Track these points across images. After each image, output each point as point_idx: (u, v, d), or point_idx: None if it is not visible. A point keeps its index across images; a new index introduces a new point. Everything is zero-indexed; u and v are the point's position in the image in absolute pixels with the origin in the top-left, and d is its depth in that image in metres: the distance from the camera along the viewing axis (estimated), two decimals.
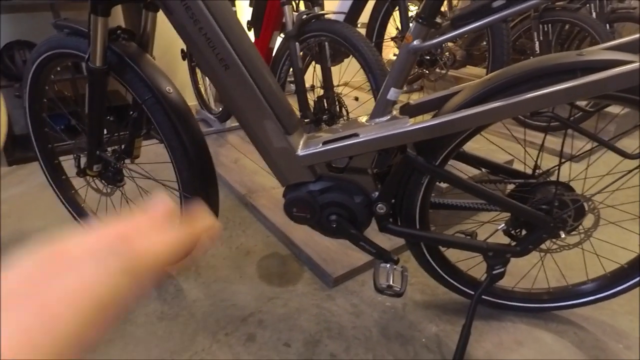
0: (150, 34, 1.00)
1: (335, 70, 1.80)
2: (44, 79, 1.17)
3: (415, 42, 0.81)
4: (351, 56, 1.35)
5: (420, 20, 0.79)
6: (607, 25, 2.34)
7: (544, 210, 0.92)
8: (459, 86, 0.92)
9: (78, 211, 1.37)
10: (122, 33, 0.97)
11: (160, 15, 0.93)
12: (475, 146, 1.67)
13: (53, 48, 1.06)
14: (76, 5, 2.05)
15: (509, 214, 1.00)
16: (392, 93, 0.88)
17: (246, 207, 1.62)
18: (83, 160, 1.16)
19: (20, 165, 1.96)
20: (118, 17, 2.13)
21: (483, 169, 1.02)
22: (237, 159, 1.90)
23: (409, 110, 0.94)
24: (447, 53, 2.39)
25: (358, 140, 0.88)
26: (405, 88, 2.67)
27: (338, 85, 1.89)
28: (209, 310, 1.16)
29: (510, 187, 1.00)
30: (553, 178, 0.94)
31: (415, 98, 0.98)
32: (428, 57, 1.77)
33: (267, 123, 0.92)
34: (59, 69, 1.16)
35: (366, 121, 0.93)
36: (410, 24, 0.82)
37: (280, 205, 1.55)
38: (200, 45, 0.84)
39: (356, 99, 2.67)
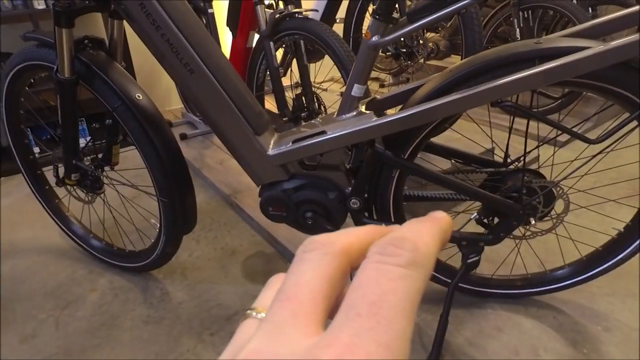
0: (117, 41, 1.01)
1: (322, 66, 1.81)
2: (18, 91, 1.18)
3: (374, 38, 0.82)
4: None
5: (377, 17, 0.80)
6: (590, 9, 2.34)
7: (514, 198, 0.93)
8: (424, 79, 0.93)
9: (63, 220, 1.38)
10: (90, 42, 0.98)
11: None
12: (456, 136, 1.68)
13: (25, 60, 1.07)
14: None
15: (481, 203, 1.02)
16: (355, 89, 0.89)
17: (232, 207, 1.64)
18: (62, 171, 1.17)
19: (8, 177, 1.97)
20: (99, 25, 2.13)
21: (454, 160, 1.03)
22: (223, 160, 1.91)
23: (376, 106, 0.95)
24: (430, 44, 2.40)
25: (325, 138, 0.89)
26: (391, 81, 2.68)
27: (323, 82, 1.90)
28: (194, 312, 1.17)
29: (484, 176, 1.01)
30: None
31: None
32: (404, 50, 1.77)
33: (236, 125, 0.93)
34: (32, 80, 1.17)
35: (334, 118, 0.94)
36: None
37: None
38: (164, 51, 0.85)
39: (341, 95, 2.68)
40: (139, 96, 0.97)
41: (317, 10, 1.49)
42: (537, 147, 0.97)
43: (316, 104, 1.51)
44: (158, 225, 1.14)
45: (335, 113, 0.99)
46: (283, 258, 1.36)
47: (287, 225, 1.06)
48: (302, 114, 1.47)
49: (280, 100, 1.45)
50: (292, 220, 1.04)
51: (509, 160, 0.99)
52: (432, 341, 1.02)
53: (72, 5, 0.87)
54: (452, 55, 2.76)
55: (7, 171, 1.97)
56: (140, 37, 0.87)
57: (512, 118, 0.95)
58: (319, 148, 0.91)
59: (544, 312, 1.12)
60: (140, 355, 1.05)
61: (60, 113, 1.03)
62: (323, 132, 0.90)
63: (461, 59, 1.62)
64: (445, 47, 2.48)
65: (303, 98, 1.48)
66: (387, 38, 0.81)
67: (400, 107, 0.92)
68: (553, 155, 0.97)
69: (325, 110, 1.52)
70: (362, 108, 0.92)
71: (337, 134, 0.87)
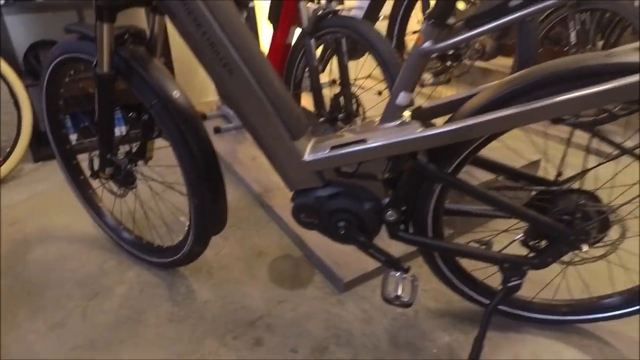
0: (158, 36, 0.99)
1: (356, 62, 1.76)
2: (59, 82, 1.19)
3: (426, 44, 0.76)
4: None
5: (431, 21, 0.74)
6: None
7: (565, 221, 0.86)
8: (475, 89, 0.87)
9: (96, 210, 1.39)
10: (130, 37, 0.97)
11: None
12: (494, 145, 1.59)
13: (66, 52, 1.07)
14: None
15: (527, 223, 0.95)
16: (402, 97, 0.83)
17: (262, 206, 1.61)
18: (96, 163, 1.17)
19: (46, 162, 2.02)
20: (141, 18, 2.14)
21: (502, 176, 0.97)
22: (255, 156, 1.89)
23: (422, 114, 0.89)
24: (476, 44, 2.30)
25: (366, 147, 0.84)
26: (431, 80, 2.60)
27: (358, 79, 1.84)
28: (219, 313, 1.16)
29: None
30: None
31: (443, 90, 0.93)
32: (452, 51, 1.69)
33: (273, 128, 0.89)
34: (73, 71, 1.17)
35: (376, 125, 0.89)
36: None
37: None
38: (204, 50, 0.82)
39: (379, 93, 2.61)
40: (176, 94, 0.95)
41: (362, 8, 1.43)
42: (598, 165, 0.89)
43: (354, 105, 1.45)
44: (188, 223, 1.13)
45: (377, 120, 0.94)
46: (311, 263, 1.33)
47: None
48: (339, 115, 1.42)
49: (318, 100, 1.41)
50: (323, 229, 1.00)
51: (560, 179, 0.92)
52: None
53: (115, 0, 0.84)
54: (497, 57, 2.65)
55: (44, 156, 2.01)
56: (180, 33, 0.84)
57: (571, 132, 0.87)
58: (358, 157, 0.86)
59: (588, 342, 1.05)
60: (163, 354, 1.04)
61: (98, 107, 1.02)
62: (363, 140, 0.85)
63: (513, 63, 1.54)
64: (492, 48, 2.37)
65: (341, 98, 1.43)
66: (441, 45, 0.75)
67: (448, 117, 0.86)
68: (614, 177, 0.89)
69: (364, 112, 1.47)
70: (407, 116, 0.87)
71: (378, 144, 0.83)
